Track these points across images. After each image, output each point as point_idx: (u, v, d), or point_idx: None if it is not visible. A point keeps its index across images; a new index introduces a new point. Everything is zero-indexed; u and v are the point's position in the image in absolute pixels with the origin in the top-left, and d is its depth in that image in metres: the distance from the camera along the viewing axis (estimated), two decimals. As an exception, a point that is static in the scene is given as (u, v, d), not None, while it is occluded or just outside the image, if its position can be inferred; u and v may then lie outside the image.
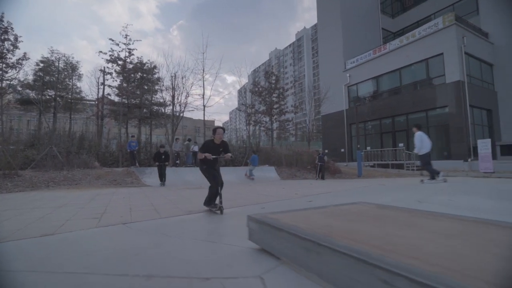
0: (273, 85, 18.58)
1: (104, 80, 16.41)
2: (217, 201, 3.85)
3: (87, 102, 19.87)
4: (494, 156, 15.19)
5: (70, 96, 17.87)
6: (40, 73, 16.75)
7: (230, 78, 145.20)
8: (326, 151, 21.23)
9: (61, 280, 1.49)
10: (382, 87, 18.71)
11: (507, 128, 16.13)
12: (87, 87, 37.66)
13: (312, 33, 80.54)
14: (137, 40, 16.62)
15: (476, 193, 5.25)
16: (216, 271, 1.55)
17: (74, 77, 17.90)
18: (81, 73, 17.98)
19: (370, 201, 4.42)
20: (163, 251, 2.00)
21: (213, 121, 73.37)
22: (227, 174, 12.18)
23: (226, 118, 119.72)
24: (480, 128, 15.46)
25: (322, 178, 11.76)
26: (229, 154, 4.06)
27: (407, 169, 15.21)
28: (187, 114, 17.65)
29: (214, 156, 3.87)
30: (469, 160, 13.61)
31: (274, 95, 18.42)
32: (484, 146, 12.17)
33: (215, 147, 3.96)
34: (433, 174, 7.39)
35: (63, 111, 17.62)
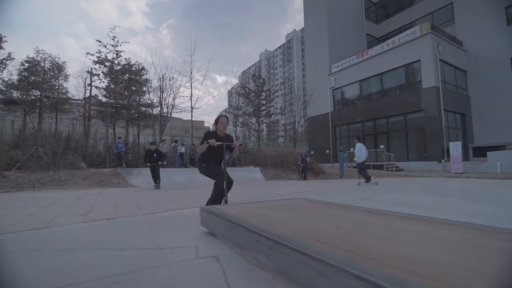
0: (260, 88, 19.05)
1: (91, 81, 16.46)
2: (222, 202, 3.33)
3: (74, 101, 19.77)
4: (467, 158, 16.16)
5: (56, 97, 17.79)
6: (25, 73, 16.63)
7: (220, 78, 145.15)
8: (312, 152, 21.84)
9: (56, 255, 1.86)
10: (365, 90, 19.47)
11: (479, 131, 17.13)
12: (74, 88, 37.14)
13: (301, 35, 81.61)
14: (125, 42, 16.75)
15: (420, 191, 5.87)
16: (170, 244, 2.09)
17: (60, 78, 17.83)
18: (67, 73, 17.93)
19: (330, 198, 4.92)
20: (138, 236, 2.45)
21: (202, 122, 73.11)
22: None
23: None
24: (454, 131, 16.37)
25: (305, 178, 12.28)
26: (238, 142, 3.55)
27: (387, 170, 15.95)
28: (176, 115, 17.92)
29: (219, 143, 3.23)
30: (442, 161, 14.44)
31: (262, 97, 18.89)
32: (455, 148, 12.98)
33: (218, 140, 3.30)
34: (367, 179, 8.50)
35: (49, 111, 17.52)
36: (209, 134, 3.35)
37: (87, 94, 17.89)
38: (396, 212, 2.10)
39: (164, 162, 13.08)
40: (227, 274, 1.43)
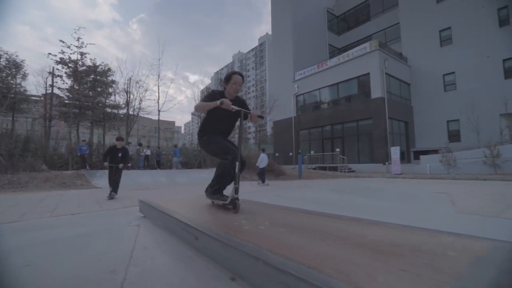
0: (227, 93, 19.88)
1: (52, 82, 16.12)
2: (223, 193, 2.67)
3: (34, 98, 18.99)
4: (409, 160, 18.37)
5: (13, 96, 17.12)
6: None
7: (193, 77, 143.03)
8: (277, 154, 23.12)
9: (32, 235, 2.61)
10: (323, 98, 21.17)
11: (420, 137, 19.54)
12: (34, 87, 35.04)
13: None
14: (90, 44, 16.62)
15: (328, 190, 7.21)
16: (116, 224, 2.97)
17: (18, 76, 17.19)
18: (26, 72, 17.33)
19: (255, 196, 5.97)
20: (95, 221, 3.24)
21: (173, 122, 72.03)
22: (179, 175, 13.20)
23: (188, 118, 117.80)
24: (398, 136, 18.55)
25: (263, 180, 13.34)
26: (256, 112, 2.61)
27: (341, 171, 17.64)
28: (146, 115, 18.08)
29: (236, 108, 2.41)
30: (386, 163, 16.39)
31: (228, 102, 19.72)
32: (395, 152, 14.88)
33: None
34: (263, 180, 11.22)
35: (4, 111, 16.83)
36: (216, 94, 2.51)
37: (49, 94, 17.44)
38: (280, 206, 3.12)
39: (129, 165, 13.45)
40: (140, 232, 2.44)
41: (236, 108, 2.40)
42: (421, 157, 15.15)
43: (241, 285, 1.29)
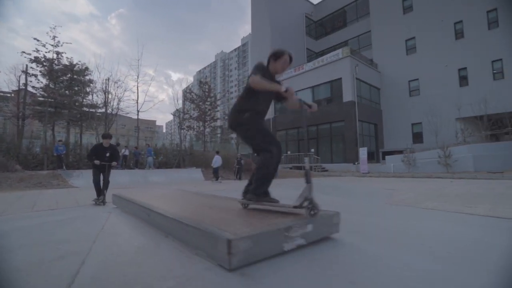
0: (206, 93, 20.35)
1: (26, 80, 15.81)
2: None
3: (2, 93, 18.40)
4: (378, 160, 19.67)
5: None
6: None
7: (175, 75, 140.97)
8: (256, 154, 23.88)
9: (12, 224, 3.08)
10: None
11: (388, 138, 20.96)
12: (5, 85, 33.56)
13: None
14: (66, 43, 16.44)
15: (289, 187, 8.03)
16: (91, 213, 3.52)
17: (-11, 74, 16.69)
18: (-2, 69, 16.84)
19: (217, 191, 6.62)
20: (75, 212, 3.70)
21: (154, 121, 70.61)
22: (157, 175, 13.55)
23: (170, 117, 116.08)
24: (368, 138, 19.83)
25: (240, 178, 14.02)
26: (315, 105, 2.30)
27: (314, 171, 18.61)
28: (125, 114, 18.11)
29: (305, 102, 2.14)
30: (356, 163, 17.53)
31: (207, 103, 20.21)
32: (363, 152, 16.01)
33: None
34: (217, 178, 12.85)
35: (-26, 109, 16.32)
36: (266, 70, 2.25)
37: (21, 93, 17.07)
38: (224, 196, 3.77)
39: (114, 163, 13.61)
40: (110, 216, 3.06)
41: (307, 102, 2.05)
42: (386, 157, 16.41)
43: (171, 239, 1.99)
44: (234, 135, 22.35)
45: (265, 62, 2.35)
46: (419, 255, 1.64)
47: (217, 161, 12.99)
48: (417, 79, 19.65)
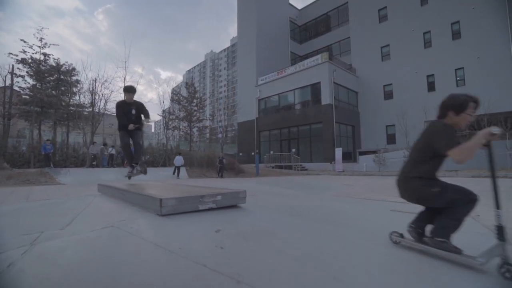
0: (192, 95, 21.10)
1: (12, 80, 16.13)
2: None
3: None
4: (355, 160, 20.89)
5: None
6: None
7: (164, 74, 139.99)
8: (241, 154, 24.68)
9: (23, 204, 3.87)
10: (282, 102, 23.19)
11: (366, 139, 22.27)
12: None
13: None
14: (54, 44, 16.85)
15: (264, 183, 8.96)
16: (78, 197, 4.24)
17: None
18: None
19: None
20: (68, 200, 4.50)
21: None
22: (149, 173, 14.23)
23: (158, 117, 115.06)
24: (345, 139, 21.07)
25: (221, 176, 14.88)
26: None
27: (295, 170, 19.69)
28: (113, 114, 18.60)
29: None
30: (332, 162, 18.70)
31: (193, 104, 20.95)
32: (338, 153, 17.18)
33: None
34: (177, 175, 14.08)
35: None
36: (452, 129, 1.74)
37: (7, 92, 17.34)
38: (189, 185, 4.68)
39: (94, 163, 14.21)
40: (95, 199, 3.84)
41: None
42: (360, 157, 17.65)
43: (136, 207, 2.89)
44: (221, 135, 23.11)
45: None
46: (293, 216, 2.60)
47: (178, 160, 14.52)
48: (391, 84, 21.02)
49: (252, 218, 2.46)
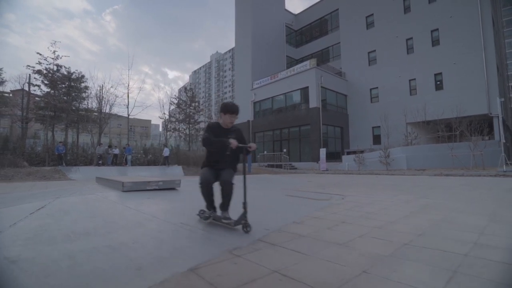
0: (191, 99, 22.82)
1: (29, 88, 18.15)
2: None
3: (5, 94, 20.59)
4: (341, 159, 22.16)
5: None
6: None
7: (172, 73, 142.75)
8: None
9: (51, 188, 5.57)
10: (275, 105, 24.66)
11: (353, 140, 23.52)
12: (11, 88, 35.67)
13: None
14: (65, 56, 18.78)
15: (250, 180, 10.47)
16: (84, 187, 5.92)
17: (-4, 82, 19.02)
18: (4, 79, 19.18)
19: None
20: (76, 188, 6.23)
21: (149, 121, 72.07)
22: (141, 171, 15.99)
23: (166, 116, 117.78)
24: (333, 140, 22.40)
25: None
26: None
27: (284, 168, 21.15)
28: (123, 113, 20.46)
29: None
30: (318, 162, 20.09)
31: (191, 107, 22.67)
32: (322, 153, 18.57)
33: None
34: (167, 164, 16.24)
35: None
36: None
37: (25, 99, 19.42)
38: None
39: (100, 162, 16.05)
40: (91, 186, 5.51)
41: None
42: (343, 157, 19.00)
43: (113, 189, 4.51)
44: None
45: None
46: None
47: (165, 151, 17.15)
48: (377, 87, 22.21)
49: (177, 193, 4.03)
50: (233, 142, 2.51)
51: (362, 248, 1.93)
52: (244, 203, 2.46)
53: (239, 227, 2.47)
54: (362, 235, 2.30)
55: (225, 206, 2.73)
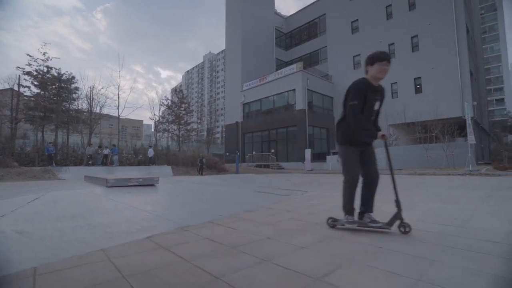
0: (181, 100, 23.28)
1: (19, 88, 18.32)
2: None
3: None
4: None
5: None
6: None
7: (164, 73, 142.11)
8: (227, 153, 26.74)
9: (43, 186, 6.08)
10: (263, 107, 25.33)
11: (339, 140, 24.34)
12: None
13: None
14: (55, 58, 19.01)
15: (231, 179, 11.11)
16: (71, 185, 6.44)
17: (-14, 83, 19.09)
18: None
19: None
20: (66, 185, 6.74)
21: (141, 121, 71.89)
22: (130, 171, 16.42)
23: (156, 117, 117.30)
24: (319, 141, 23.19)
25: (201, 174, 17.06)
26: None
27: (272, 168, 21.83)
28: (114, 114, 20.74)
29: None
30: (304, 162, 20.83)
31: (182, 108, 23.14)
32: (307, 153, 19.31)
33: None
34: (153, 164, 16.26)
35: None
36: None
37: (15, 99, 19.54)
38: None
39: (90, 162, 16.40)
40: (80, 183, 6.03)
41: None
42: (327, 157, 19.78)
43: (100, 186, 5.06)
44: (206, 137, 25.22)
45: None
46: (185, 191, 4.76)
47: (150, 152, 17.95)
48: (361, 90, 23.05)
49: (155, 189, 4.64)
50: (385, 135, 2.18)
51: (282, 226, 2.57)
52: (397, 201, 2.17)
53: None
54: (291, 218, 2.95)
55: (371, 206, 2.32)
